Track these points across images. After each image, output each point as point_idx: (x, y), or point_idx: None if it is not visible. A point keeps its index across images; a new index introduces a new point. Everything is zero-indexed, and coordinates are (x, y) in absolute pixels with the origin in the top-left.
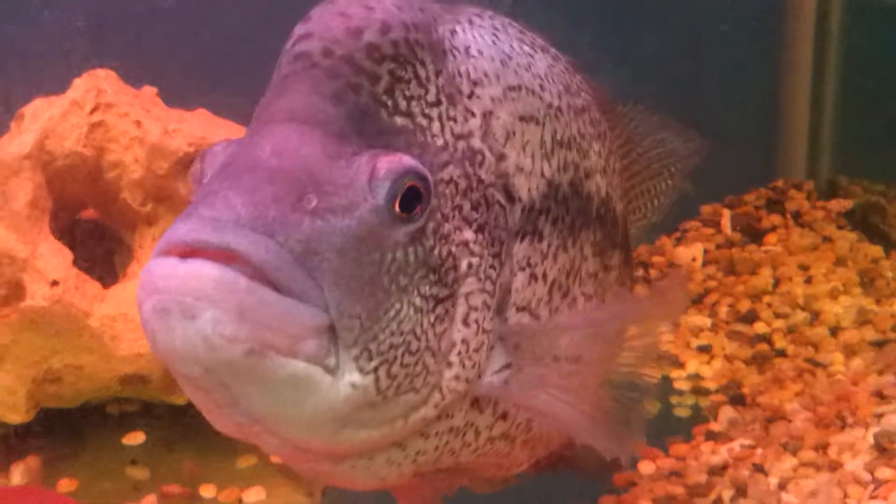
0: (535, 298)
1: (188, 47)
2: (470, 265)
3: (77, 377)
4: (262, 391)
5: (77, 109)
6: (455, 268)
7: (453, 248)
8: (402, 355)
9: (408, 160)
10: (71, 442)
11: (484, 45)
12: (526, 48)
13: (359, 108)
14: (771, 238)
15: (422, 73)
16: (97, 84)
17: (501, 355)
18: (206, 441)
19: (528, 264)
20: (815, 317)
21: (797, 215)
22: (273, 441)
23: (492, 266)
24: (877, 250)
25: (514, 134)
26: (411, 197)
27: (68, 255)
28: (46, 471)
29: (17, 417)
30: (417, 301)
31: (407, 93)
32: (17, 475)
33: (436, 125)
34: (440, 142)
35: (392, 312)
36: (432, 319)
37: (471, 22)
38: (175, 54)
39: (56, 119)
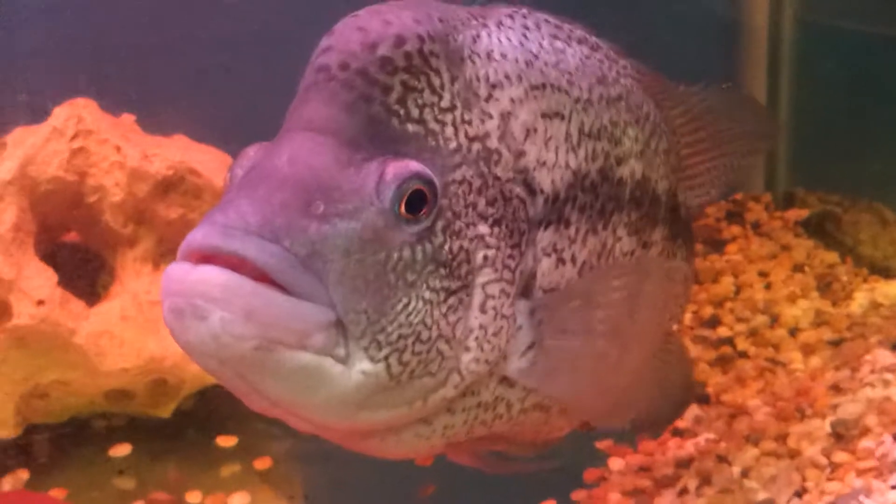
0: (565, 281)
1: (167, 77)
2: (486, 257)
3: (64, 393)
4: (275, 381)
5: (58, 136)
6: (468, 260)
7: (466, 243)
8: (413, 344)
9: (414, 165)
10: (59, 455)
11: (509, 47)
12: (558, 44)
13: (371, 118)
14: (732, 248)
15: (436, 81)
16: (77, 112)
17: (527, 335)
18: (191, 451)
19: (555, 249)
20: (775, 320)
21: (756, 226)
22: (297, 421)
23: (510, 256)
24: (832, 256)
25: (536, 131)
26: (417, 199)
27: (53, 275)
28: (35, 483)
29: (5, 432)
30: (427, 294)
31: (420, 101)
32: (7, 488)
33: (449, 129)
34: (453, 145)
35: (400, 306)
36: (444, 310)
37: (500, 24)
38: (153, 84)
39: (38, 146)
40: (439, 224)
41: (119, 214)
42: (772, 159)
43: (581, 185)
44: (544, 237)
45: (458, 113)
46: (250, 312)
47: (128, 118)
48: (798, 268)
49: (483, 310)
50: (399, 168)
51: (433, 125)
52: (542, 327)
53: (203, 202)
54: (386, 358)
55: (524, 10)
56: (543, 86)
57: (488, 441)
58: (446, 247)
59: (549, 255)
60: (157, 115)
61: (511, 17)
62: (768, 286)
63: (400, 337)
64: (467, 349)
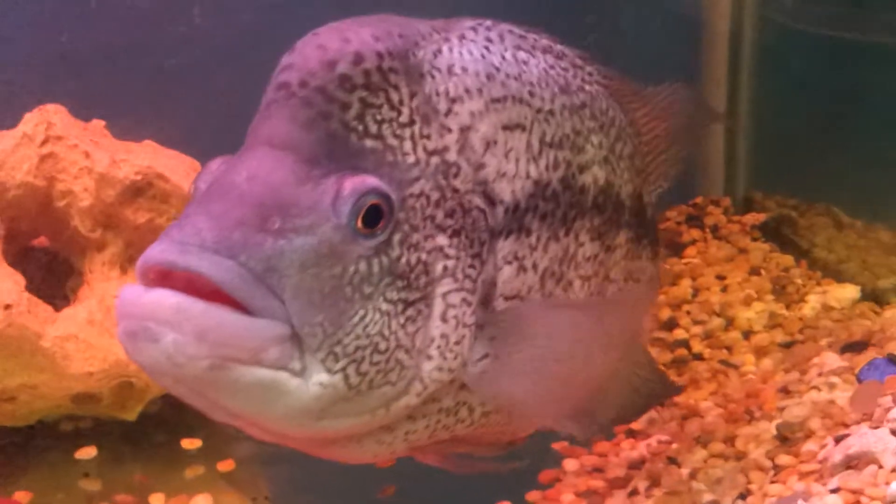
0: (526, 287)
1: (136, 83)
2: (445, 267)
3: (31, 396)
4: (233, 396)
5: (28, 142)
6: (427, 272)
7: (424, 255)
8: (371, 354)
9: (371, 181)
10: (25, 458)
11: (470, 60)
12: (521, 55)
13: (329, 135)
14: (691, 251)
15: (394, 97)
16: (47, 118)
17: (481, 346)
18: (156, 454)
19: (516, 258)
20: (730, 322)
21: (715, 229)
22: (257, 431)
23: (471, 266)
24: (788, 259)
25: (496, 143)
26: (373, 214)
27: (21, 280)
28: (0, 485)
29: None
30: (384, 306)
31: (378, 117)
32: None
33: (407, 144)
34: (411, 159)
35: (357, 318)
36: (402, 320)
37: (462, 38)
38: (122, 90)
39: (7, 151)
40: (396, 237)
41: (87, 219)
42: (731, 162)
43: (542, 195)
44: (505, 246)
45: (416, 128)
46: (202, 333)
47: (97, 123)
48: (754, 271)
49: (444, 319)
50: (356, 183)
51: (391, 140)
52: (494, 342)
53: (171, 207)
54: (343, 369)
55: (488, 23)
56: (504, 98)
57: (451, 443)
58: (404, 259)
59: (509, 262)
60: (127, 119)
61: (474, 29)
62: (725, 289)
63: (357, 348)
64: (429, 357)
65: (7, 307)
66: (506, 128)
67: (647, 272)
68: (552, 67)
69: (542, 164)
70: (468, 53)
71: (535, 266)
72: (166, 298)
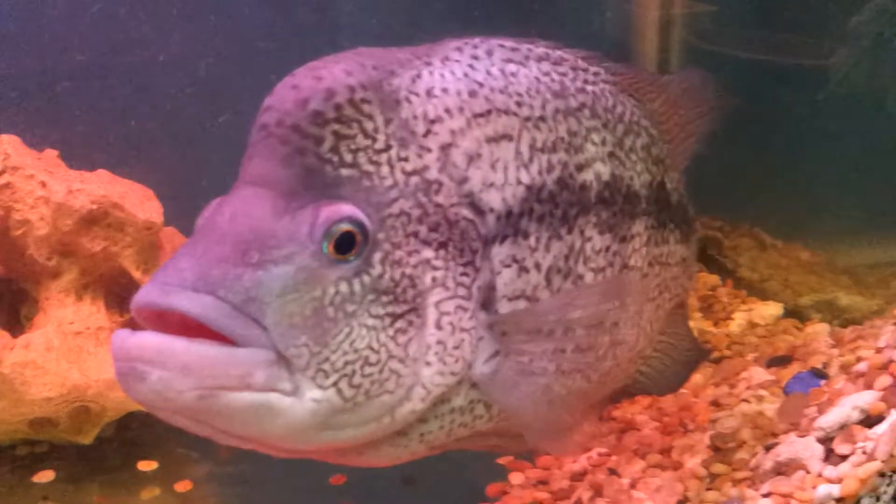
0: (531, 286)
1: (85, 113)
2: (434, 278)
3: None
4: (230, 421)
5: None
6: (414, 285)
7: (409, 270)
8: (362, 367)
9: (346, 208)
10: None
11: (451, 81)
12: (511, 67)
13: (306, 168)
14: None
15: (368, 126)
16: (3, 148)
17: (489, 345)
18: (112, 477)
19: (515, 260)
20: None
21: None
22: (270, 449)
23: (463, 273)
24: (714, 279)
25: (480, 156)
26: (346, 240)
27: None
28: None
29: None
30: (370, 321)
31: (352, 146)
32: None
33: (384, 168)
34: (388, 182)
35: (342, 335)
36: (392, 332)
37: (445, 60)
38: (72, 120)
39: None
40: (377, 256)
41: (44, 247)
42: None
43: (537, 198)
44: (501, 251)
45: (393, 152)
46: (186, 367)
47: (51, 153)
48: None
49: (439, 326)
50: (330, 212)
51: (367, 167)
52: (506, 338)
53: (126, 235)
54: (335, 384)
55: (476, 41)
56: (488, 112)
57: (480, 438)
58: (387, 276)
59: (508, 266)
60: (75, 149)
61: (459, 49)
62: None
63: (346, 363)
64: (428, 364)
65: None
66: (491, 140)
67: (677, 254)
68: (546, 74)
69: (535, 169)
70: (450, 74)
71: (537, 265)
72: (148, 339)
